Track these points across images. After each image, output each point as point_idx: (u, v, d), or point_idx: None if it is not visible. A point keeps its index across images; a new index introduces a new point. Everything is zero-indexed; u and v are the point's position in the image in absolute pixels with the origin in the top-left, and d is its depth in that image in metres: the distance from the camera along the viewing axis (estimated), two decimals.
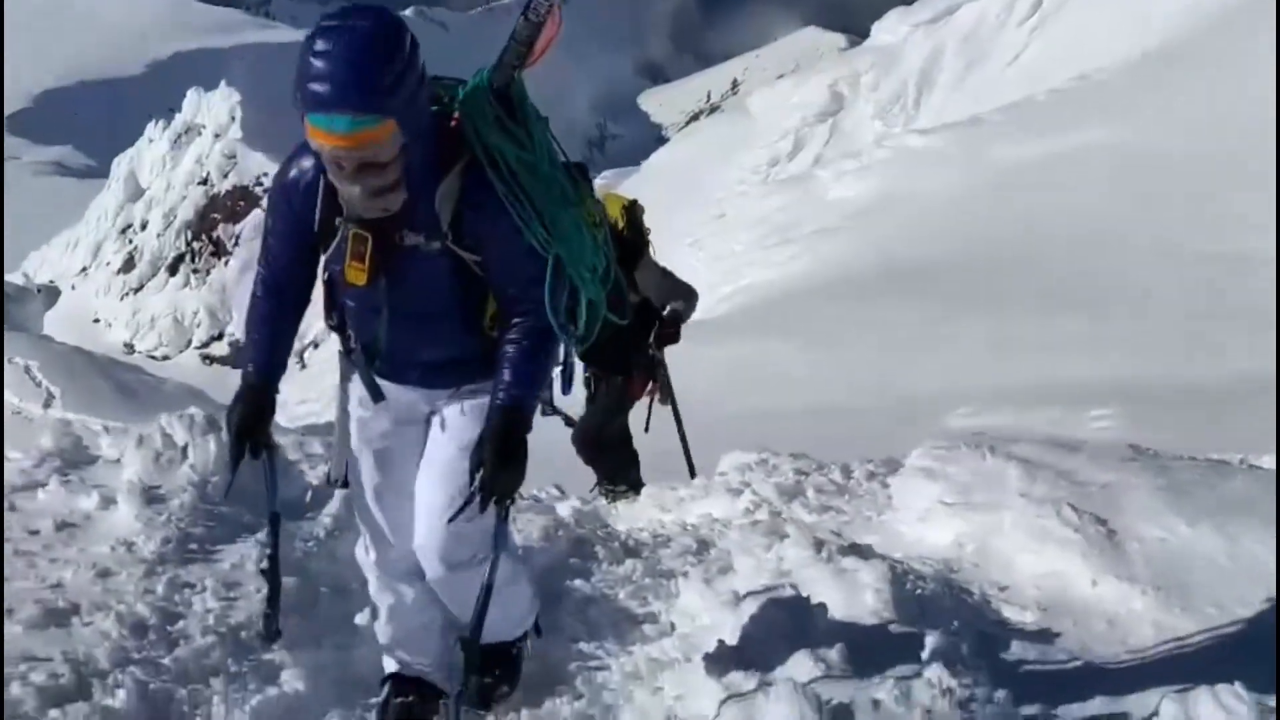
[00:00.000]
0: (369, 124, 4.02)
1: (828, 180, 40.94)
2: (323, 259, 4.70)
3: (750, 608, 6.05)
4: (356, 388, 5.01)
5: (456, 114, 4.46)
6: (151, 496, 6.91)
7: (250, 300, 4.94)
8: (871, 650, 5.60)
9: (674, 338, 10.20)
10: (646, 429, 10.53)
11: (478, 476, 4.47)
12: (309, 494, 7.75)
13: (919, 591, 6.35)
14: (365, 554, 5.22)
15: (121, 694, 5.18)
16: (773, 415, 15.68)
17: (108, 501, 6.87)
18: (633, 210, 10.12)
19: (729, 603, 6.39)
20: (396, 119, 4.06)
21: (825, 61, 73.07)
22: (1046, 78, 42.75)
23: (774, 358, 20.22)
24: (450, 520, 4.72)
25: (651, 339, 10.11)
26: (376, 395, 4.94)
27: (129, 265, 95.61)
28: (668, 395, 10.61)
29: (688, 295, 10.13)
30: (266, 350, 4.87)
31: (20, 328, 45.40)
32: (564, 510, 8.30)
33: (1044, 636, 6.17)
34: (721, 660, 5.60)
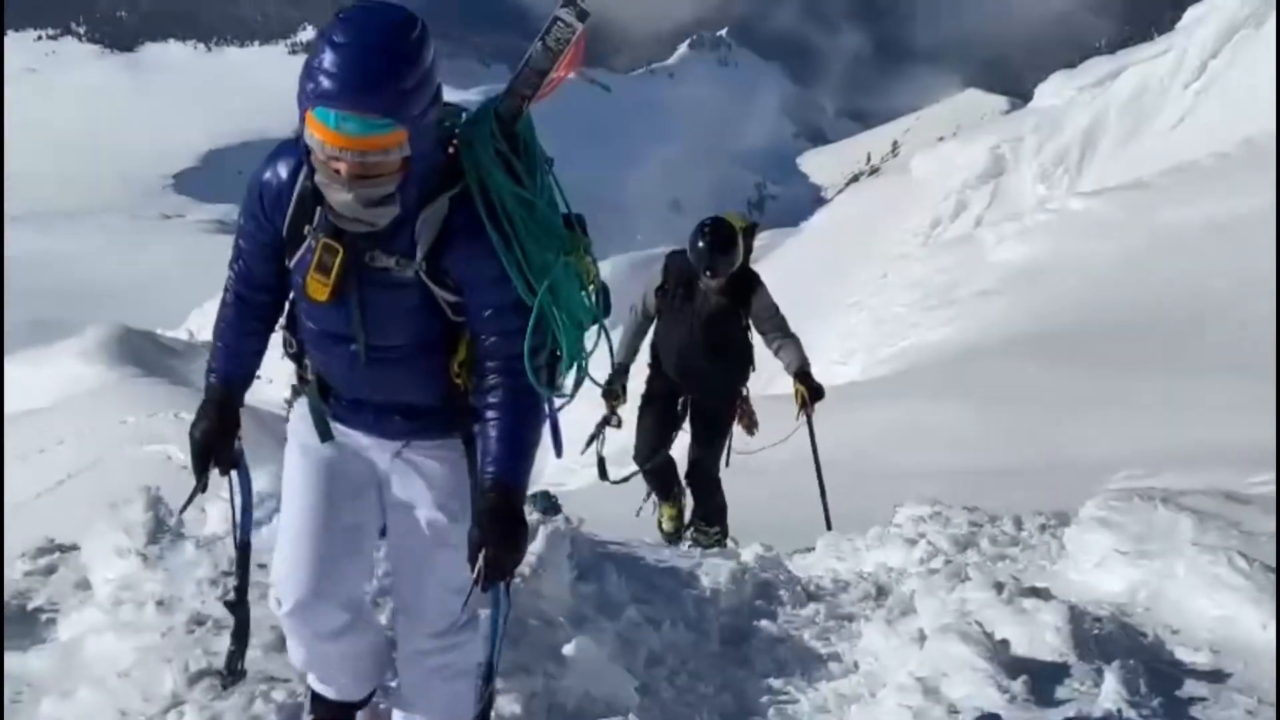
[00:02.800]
0: (380, 129, 3.68)
1: (990, 242, 40.87)
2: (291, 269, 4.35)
3: (935, 644, 6.28)
4: (305, 423, 4.64)
5: (456, 141, 4.14)
6: None
7: (219, 306, 4.64)
8: (1053, 684, 5.91)
9: (820, 393, 10.10)
10: (727, 463, 10.44)
11: (479, 559, 4.09)
12: None
13: (1096, 632, 6.57)
14: (279, 605, 4.77)
15: None
16: (940, 472, 15.80)
17: None
18: (750, 233, 10.18)
19: (914, 640, 6.69)
20: (409, 129, 3.74)
21: (987, 123, 72.77)
22: (1211, 141, 42.35)
23: (937, 418, 20.23)
24: (464, 605, 4.43)
25: (805, 398, 10.07)
26: (325, 434, 4.58)
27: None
28: (754, 426, 10.37)
29: (789, 333, 9.90)
30: (232, 359, 4.63)
31: (185, 383, 46.19)
32: (748, 556, 8.59)
33: (1216, 676, 6.34)
34: (907, 693, 5.87)
